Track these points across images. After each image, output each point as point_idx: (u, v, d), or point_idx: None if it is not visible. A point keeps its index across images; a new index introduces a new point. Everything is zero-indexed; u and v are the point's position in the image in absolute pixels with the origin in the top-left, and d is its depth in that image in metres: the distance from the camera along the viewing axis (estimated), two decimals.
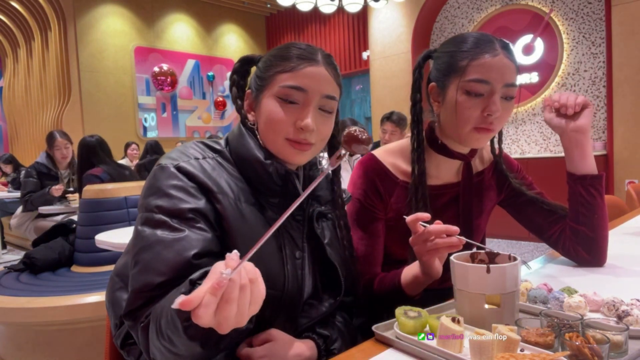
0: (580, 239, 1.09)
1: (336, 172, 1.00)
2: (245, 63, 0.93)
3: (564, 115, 1.07)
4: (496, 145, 1.15)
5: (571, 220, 1.10)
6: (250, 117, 0.88)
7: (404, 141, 1.15)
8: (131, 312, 0.72)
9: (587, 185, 1.07)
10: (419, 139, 1.07)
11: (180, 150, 0.83)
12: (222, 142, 0.88)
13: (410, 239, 0.90)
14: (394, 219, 1.10)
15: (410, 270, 0.97)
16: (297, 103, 0.81)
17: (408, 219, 0.88)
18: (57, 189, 3.76)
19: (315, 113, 0.82)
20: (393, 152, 1.13)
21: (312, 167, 0.95)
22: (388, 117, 3.76)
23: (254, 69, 0.91)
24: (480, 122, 0.98)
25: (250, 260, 0.52)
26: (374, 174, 1.09)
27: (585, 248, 1.09)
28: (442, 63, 1.03)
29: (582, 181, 1.07)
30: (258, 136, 0.85)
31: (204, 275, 0.59)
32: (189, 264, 0.71)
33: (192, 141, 0.87)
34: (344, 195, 1.00)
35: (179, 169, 0.78)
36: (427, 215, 0.87)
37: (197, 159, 0.81)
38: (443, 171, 1.11)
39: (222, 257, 0.53)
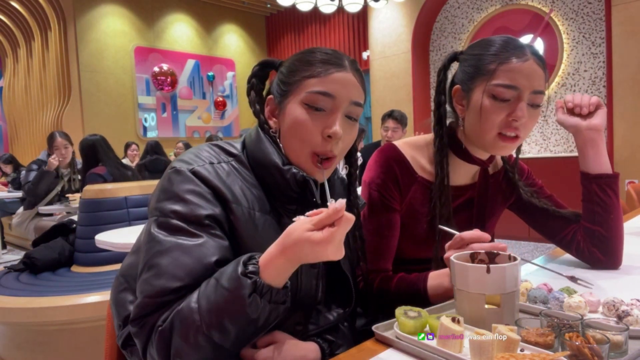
0: (595, 240, 1.07)
1: (352, 181, 0.96)
2: (266, 66, 0.91)
3: (578, 115, 1.06)
4: (513, 153, 1.13)
5: (586, 221, 1.08)
6: (272, 123, 0.85)
7: (424, 137, 1.12)
8: (141, 317, 0.70)
9: (602, 184, 1.06)
10: (442, 142, 1.04)
11: (194, 153, 0.81)
12: (239, 145, 0.86)
13: (447, 244, 0.88)
14: (406, 216, 1.07)
15: (437, 279, 0.95)
16: (324, 110, 0.79)
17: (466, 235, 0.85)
18: (53, 158, 3.75)
19: (342, 120, 0.81)
20: (413, 146, 1.10)
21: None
22: (389, 115, 3.77)
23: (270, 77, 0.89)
24: (505, 127, 0.95)
25: None
26: (395, 163, 1.06)
27: (600, 249, 1.07)
28: (468, 66, 1.00)
29: (597, 180, 1.06)
30: (280, 144, 0.83)
31: (251, 258, 0.68)
32: (210, 270, 0.70)
33: (205, 144, 0.85)
34: (359, 202, 0.97)
35: (195, 173, 0.76)
36: (487, 236, 0.84)
37: (211, 163, 0.79)
38: (459, 174, 1.10)
39: None
